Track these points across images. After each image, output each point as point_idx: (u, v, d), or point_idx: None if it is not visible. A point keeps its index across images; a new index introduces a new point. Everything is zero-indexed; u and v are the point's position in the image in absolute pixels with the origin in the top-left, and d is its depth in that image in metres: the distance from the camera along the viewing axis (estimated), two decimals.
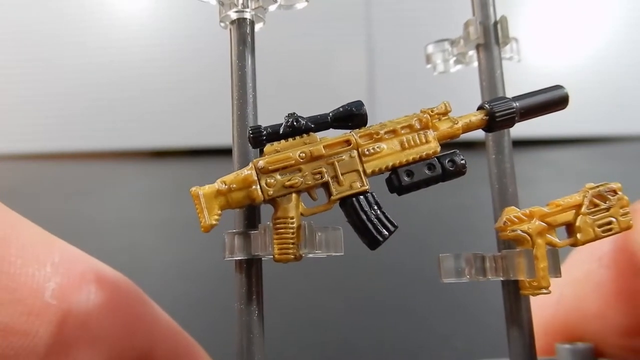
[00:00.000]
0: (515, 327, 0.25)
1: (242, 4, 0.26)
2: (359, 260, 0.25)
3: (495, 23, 0.28)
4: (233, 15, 0.26)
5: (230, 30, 0.26)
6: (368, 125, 0.23)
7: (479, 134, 0.25)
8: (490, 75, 0.28)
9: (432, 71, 0.32)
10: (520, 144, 0.78)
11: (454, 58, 0.31)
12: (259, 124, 0.23)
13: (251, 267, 0.24)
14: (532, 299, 0.30)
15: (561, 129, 1.05)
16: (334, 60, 1.05)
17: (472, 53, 0.30)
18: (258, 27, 0.27)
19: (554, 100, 0.24)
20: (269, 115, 0.26)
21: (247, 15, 0.26)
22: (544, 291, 0.23)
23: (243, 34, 0.26)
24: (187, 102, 1.07)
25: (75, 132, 1.14)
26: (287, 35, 1.05)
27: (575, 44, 1.11)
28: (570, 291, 0.30)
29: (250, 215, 0.24)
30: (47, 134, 1.15)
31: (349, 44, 1.05)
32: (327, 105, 0.24)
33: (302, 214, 0.22)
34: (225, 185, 0.21)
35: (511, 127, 0.25)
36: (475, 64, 0.29)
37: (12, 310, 0.20)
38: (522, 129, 0.27)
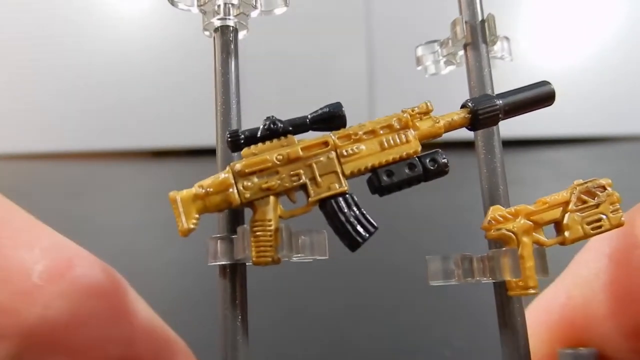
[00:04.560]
0: (507, 329, 0.24)
1: (224, 11, 0.26)
2: (355, 261, 0.25)
3: (482, 21, 0.28)
4: (216, 23, 0.26)
5: (214, 38, 0.27)
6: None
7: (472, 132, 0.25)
8: (478, 75, 0.27)
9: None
10: (520, 143, 0.77)
11: (444, 59, 0.30)
12: (257, 126, 0.23)
13: (235, 272, 0.24)
14: (537, 303, 0.30)
15: (561, 129, 1.04)
16: (334, 61, 1.05)
17: (462, 53, 0.29)
18: (242, 34, 0.27)
19: (539, 97, 0.24)
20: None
21: (230, 23, 0.26)
22: (532, 291, 0.22)
23: (226, 42, 0.26)
24: (187, 102, 1.07)
25: (75, 132, 1.15)
26: (287, 36, 1.04)
27: (574, 44, 1.10)
28: (578, 293, 0.29)
29: (234, 220, 0.24)
30: (47, 134, 1.16)
31: (349, 44, 1.05)
32: None
33: (281, 217, 0.22)
34: (203, 189, 0.21)
35: (496, 124, 0.25)
36: None
37: (2, 288, 0.21)
38: (522, 129, 0.26)
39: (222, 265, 0.24)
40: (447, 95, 0.31)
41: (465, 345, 0.45)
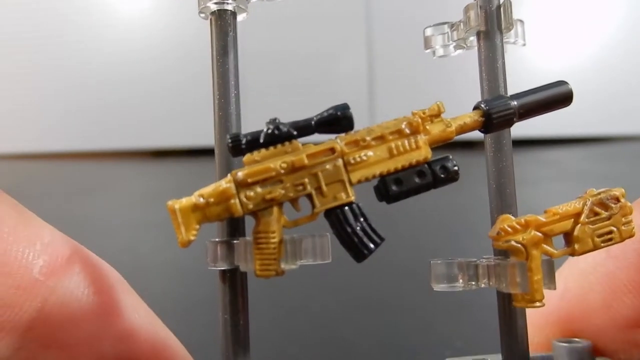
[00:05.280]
0: (508, 334, 0.24)
1: None
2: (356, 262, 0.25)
3: (498, 7, 0.26)
4: (213, 7, 0.24)
5: (211, 21, 0.24)
6: (355, 129, 0.21)
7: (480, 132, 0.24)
8: (491, 66, 0.26)
9: (432, 71, 0.30)
10: (521, 143, 0.77)
11: (454, 43, 0.29)
12: (259, 128, 0.22)
13: (235, 277, 0.23)
14: None
15: (562, 129, 1.04)
16: (334, 61, 1.05)
17: (473, 38, 0.28)
18: (240, 17, 0.25)
19: (556, 98, 0.23)
20: (269, 117, 0.24)
21: (229, 7, 0.24)
22: (537, 304, 0.22)
23: (224, 27, 0.24)
24: (186, 103, 1.06)
25: (75, 132, 1.15)
26: (287, 36, 1.04)
27: (576, 45, 1.10)
28: (576, 284, 0.29)
29: (234, 223, 0.23)
30: (47, 134, 1.16)
31: (349, 44, 1.05)
32: (328, 106, 0.22)
33: (284, 226, 0.21)
34: (203, 199, 0.20)
35: (509, 127, 0.23)
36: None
37: (3, 282, 0.21)
38: (522, 129, 0.25)
39: (222, 270, 0.23)
40: (447, 94, 0.30)
41: (465, 345, 0.45)
